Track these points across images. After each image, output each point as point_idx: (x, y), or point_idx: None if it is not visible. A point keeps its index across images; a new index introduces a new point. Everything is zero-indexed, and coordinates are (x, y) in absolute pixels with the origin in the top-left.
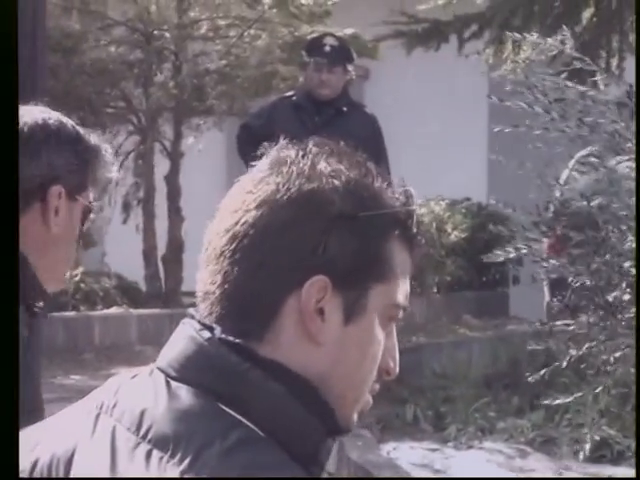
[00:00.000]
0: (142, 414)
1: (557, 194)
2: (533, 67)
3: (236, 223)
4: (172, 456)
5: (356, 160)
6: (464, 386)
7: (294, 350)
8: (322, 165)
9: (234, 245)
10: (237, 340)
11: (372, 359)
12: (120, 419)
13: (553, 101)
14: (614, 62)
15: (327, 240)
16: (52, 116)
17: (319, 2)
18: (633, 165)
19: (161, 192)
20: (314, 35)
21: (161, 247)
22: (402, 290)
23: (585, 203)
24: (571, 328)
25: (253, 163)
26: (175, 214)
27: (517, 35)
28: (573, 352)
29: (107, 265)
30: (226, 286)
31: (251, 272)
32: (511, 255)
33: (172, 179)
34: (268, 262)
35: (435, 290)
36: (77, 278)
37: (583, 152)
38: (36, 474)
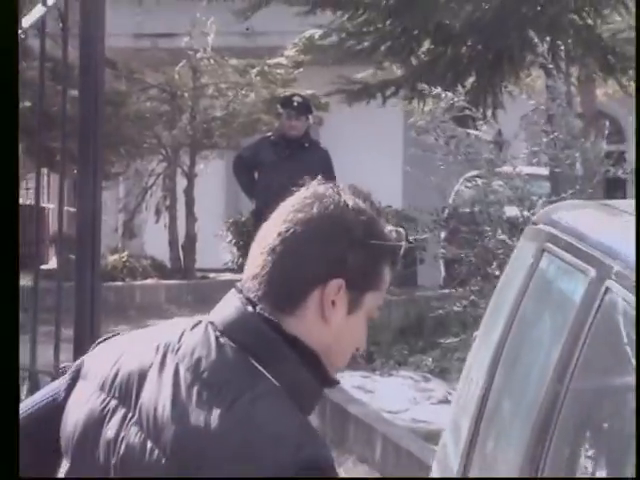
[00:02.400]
0: (199, 360)
1: (450, 200)
2: (435, 114)
3: (286, 231)
4: (216, 397)
5: (372, 202)
6: (386, 333)
7: (313, 325)
8: (351, 202)
9: (283, 246)
10: (270, 317)
11: (356, 341)
12: (182, 360)
13: (449, 138)
14: (489, 113)
15: (346, 255)
16: None
17: (288, 72)
18: (503, 181)
19: (181, 201)
20: (286, 94)
21: (181, 238)
22: (382, 297)
23: (469, 209)
24: (459, 293)
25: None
26: (191, 216)
27: (425, 86)
28: (457, 308)
29: (145, 250)
30: (273, 273)
31: (293, 267)
32: (417, 237)
33: (189, 192)
34: (306, 263)
35: None
36: (124, 259)
37: (468, 174)
38: (116, 384)
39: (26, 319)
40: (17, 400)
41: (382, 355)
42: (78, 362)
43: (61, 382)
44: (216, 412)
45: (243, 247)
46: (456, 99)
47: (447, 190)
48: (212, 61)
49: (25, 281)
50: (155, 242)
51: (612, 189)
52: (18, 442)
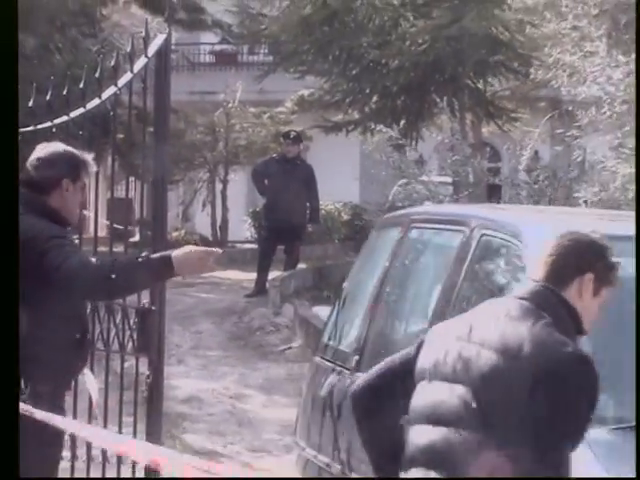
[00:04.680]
0: (504, 307)
1: (390, 198)
2: (381, 143)
3: (560, 245)
4: (521, 321)
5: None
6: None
7: (573, 299)
8: (594, 235)
9: (559, 252)
10: (554, 289)
11: (593, 315)
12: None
13: (389, 157)
14: (414, 143)
15: (594, 260)
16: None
17: (287, 116)
18: (422, 186)
19: (218, 198)
20: (286, 130)
21: (218, 221)
22: (606, 296)
23: (402, 203)
24: None
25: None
26: (224, 208)
27: (373, 124)
28: None
29: (195, 229)
30: (553, 267)
31: (565, 264)
32: (369, 219)
33: (223, 192)
34: (573, 262)
35: (337, 240)
36: (182, 235)
37: (401, 181)
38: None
39: None
40: (17, 400)
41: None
42: (419, 340)
43: (412, 348)
44: (525, 326)
45: (257, 227)
46: (393, 133)
47: (387, 191)
48: (238, 109)
49: (119, 249)
50: (202, 224)
51: (492, 192)
52: (18, 442)
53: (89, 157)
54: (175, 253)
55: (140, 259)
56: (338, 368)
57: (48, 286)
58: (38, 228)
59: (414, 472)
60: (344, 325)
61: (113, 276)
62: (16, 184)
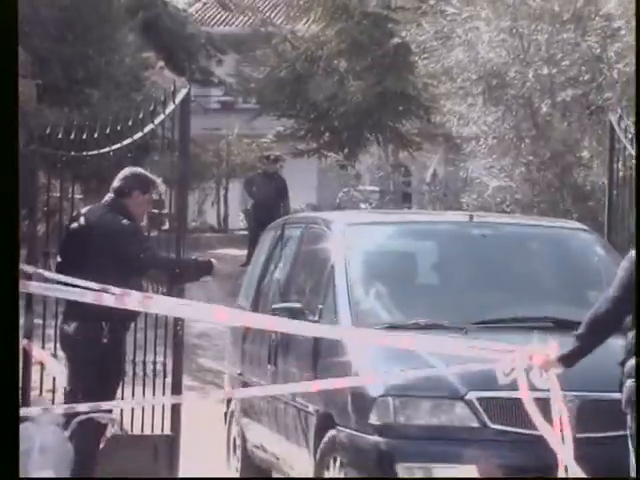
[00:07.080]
0: None
1: (337, 201)
2: (332, 163)
3: None
4: None
5: None
6: None
7: None
8: None
9: None
10: None
11: None
12: None
13: (337, 174)
14: (355, 164)
15: None
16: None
17: (269, 145)
18: (359, 193)
19: (222, 200)
20: (267, 154)
21: (221, 215)
22: None
23: (345, 205)
24: None
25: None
26: (226, 206)
27: (326, 151)
28: None
29: (207, 221)
30: None
31: None
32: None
33: (225, 196)
34: None
35: None
36: (197, 225)
37: (344, 189)
38: None
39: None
40: (17, 400)
41: None
42: None
43: (620, 273)
44: None
45: (248, 219)
46: (339, 157)
47: (335, 196)
48: (236, 140)
49: (153, 234)
50: (211, 217)
51: (405, 198)
52: (18, 442)
53: (159, 180)
54: (214, 261)
55: (193, 260)
56: None
57: (126, 265)
58: (124, 224)
59: None
60: (248, 291)
61: (177, 270)
62: (16, 188)
